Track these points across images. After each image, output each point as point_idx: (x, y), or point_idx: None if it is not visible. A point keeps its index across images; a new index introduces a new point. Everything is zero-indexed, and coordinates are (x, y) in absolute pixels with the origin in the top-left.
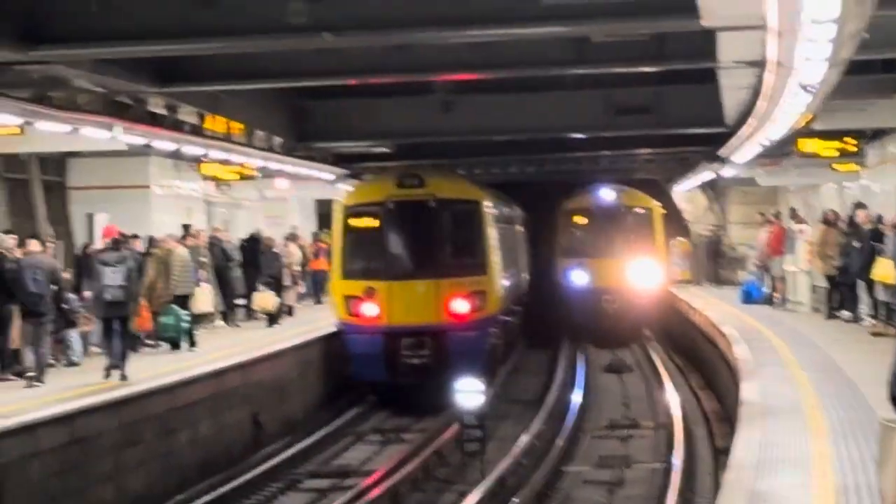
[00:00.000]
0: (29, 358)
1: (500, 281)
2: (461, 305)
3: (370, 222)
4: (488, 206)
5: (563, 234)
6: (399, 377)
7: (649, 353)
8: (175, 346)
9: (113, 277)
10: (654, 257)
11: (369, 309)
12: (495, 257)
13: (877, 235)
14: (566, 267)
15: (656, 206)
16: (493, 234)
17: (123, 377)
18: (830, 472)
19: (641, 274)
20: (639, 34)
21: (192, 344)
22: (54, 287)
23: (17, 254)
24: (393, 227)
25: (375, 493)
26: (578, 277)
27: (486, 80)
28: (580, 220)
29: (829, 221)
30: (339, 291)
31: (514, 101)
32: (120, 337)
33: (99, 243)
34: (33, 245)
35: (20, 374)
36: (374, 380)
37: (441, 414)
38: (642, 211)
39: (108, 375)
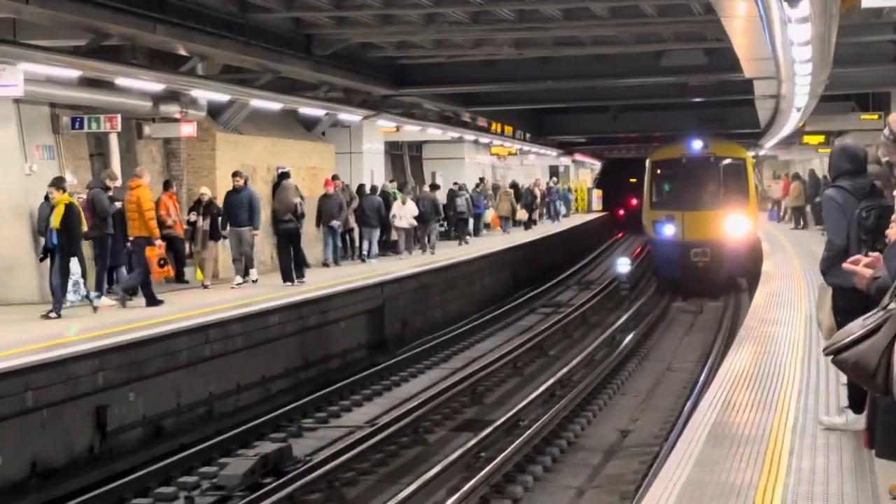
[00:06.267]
0: (372, 248)
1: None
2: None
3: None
4: (751, 162)
5: (651, 187)
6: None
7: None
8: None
9: (408, 210)
10: (746, 210)
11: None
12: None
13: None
14: (654, 220)
15: (748, 157)
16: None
17: (433, 252)
18: (804, 308)
19: (733, 227)
20: (714, 80)
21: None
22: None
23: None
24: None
25: (574, 315)
26: (667, 230)
27: (635, 104)
28: (669, 171)
29: (794, 178)
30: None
31: (648, 115)
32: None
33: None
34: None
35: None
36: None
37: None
38: (734, 161)
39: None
